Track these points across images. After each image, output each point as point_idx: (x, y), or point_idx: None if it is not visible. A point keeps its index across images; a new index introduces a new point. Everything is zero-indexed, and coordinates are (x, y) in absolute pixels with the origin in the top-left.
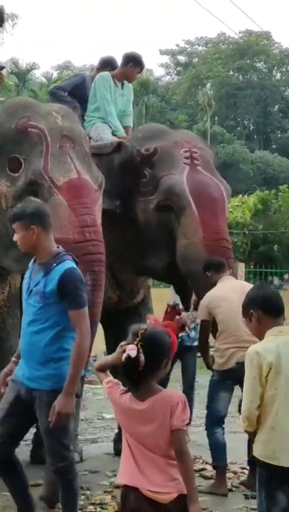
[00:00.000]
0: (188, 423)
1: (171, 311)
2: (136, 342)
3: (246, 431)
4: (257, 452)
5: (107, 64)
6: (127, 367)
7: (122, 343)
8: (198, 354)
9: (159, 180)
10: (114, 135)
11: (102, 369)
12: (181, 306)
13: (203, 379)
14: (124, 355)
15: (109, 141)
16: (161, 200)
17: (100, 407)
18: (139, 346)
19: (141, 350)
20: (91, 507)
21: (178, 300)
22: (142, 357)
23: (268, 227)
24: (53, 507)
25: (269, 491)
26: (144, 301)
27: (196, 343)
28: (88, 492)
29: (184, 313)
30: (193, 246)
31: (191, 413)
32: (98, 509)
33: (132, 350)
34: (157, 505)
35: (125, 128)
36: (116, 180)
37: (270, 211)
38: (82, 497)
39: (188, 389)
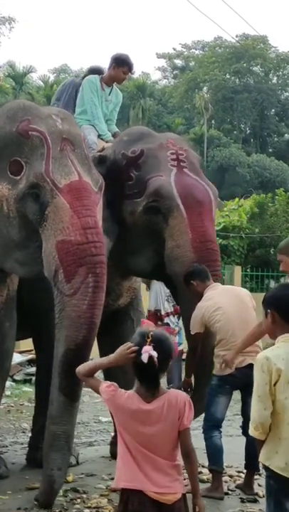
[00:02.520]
0: None
1: (152, 317)
2: (148, 344)
3: (256, 439)
4: (269, 462)
5: (94, 72)
6: (144, 368)
7: (129, 343)
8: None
9: (147, 182)
10: (102, 139)
11: (91, 374)
12: (163, 312)
13: None
14: (145, 356)
15: (94, 146)
16: (149, 202)
17: (97, 410)
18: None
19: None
20: (87, 510)
21: (159, 306)
22: (156, 356)
23: (265, 230)
24: (49, 508)
25: (280, 501)
26: (132, 304)
27: (180, 348)
28: (84, 495)
29: (166, 319)
30: (180, 248)
31: None
32: None
33: (151, 350)
34: (161, 506)
35: (115, 134)
36: (104, 190)
37: (267, 215)
38: (79, 500)
39: None
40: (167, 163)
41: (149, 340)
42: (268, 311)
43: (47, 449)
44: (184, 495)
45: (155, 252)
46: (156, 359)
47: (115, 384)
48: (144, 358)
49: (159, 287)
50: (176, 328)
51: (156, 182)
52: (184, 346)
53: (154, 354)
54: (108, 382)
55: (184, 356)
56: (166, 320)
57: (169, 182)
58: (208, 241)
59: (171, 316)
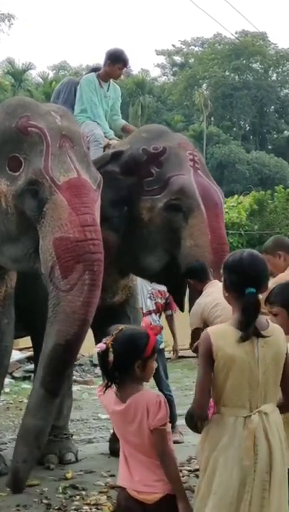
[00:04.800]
0: (171, 424)
1: (148, 320)
2: (108, 341)
3: None
4: None
5: (94, 71)
6: (99, 363)
7: (99, 343)
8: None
9: (169, 180)
10: (105, 137)
11: None
12: (144, 310)
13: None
14: (97, 351)
15: (101, 140)
16: (171, 200)
17: (96, 407)
18: (109, 345)
19: (111, 349)
20: (86, 507)
21: (141, 304)
22: (111, 356)
23: (264, 227)
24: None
25: None
26: (128, 302)
27: (162, 346)
28: (83, 492)
29: (147, 317)
30: (199, 248)
31: (172, 414)
32: (93, 509)
33: (99, 347)
34: (145, 505)
35: (124, 126)
36: (119, 186)
37: (266, 211)
38: (78, 497)
39: (165, 391)
40: (187, 163)
41: (111, 338)
42: (274, 307)
43: (17, 440)
44: (173, 495)
45: (166, 251)
46: (109, 359)
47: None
48: (96, 350)
49: (141, 285)
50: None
51: (180, 180)
52: (165, 345)
53: (99, 351)
54: (102, 383)
55: (166, 355)
56: (147, 318)
57: (191, 181)
58: (225, 244)
59: (153, 314)
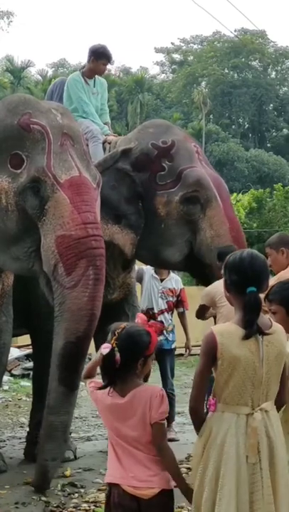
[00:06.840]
0: (172, 421)
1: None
2: (112, 341)
3: None
4: None
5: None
6: (103, 364)
7: (103, 344)
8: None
9: (181, 173)
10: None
11: (89, 376)
12: (156, 310)
13: None
14: (99, 353)
15: (100, 136)
16: (188, 192)
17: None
18: (114, 345)
19: (116, 348)
20: (85, 505)
21: (151, 304)
22: (118, 355)
23: (263, 225)
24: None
25: None
26: (127, 300)
27: (174, 346)
28: (82, 490)
29: (160, 316)
30: (221, 237)
31: (171, 413)
32: (92, 507)
33: (105, 348)
34: (140, 500)
35: (105, 124)
36: (132, 182)
37: (265, 210)
38: (76, 495)
39: (168, 389)
40: (195, 155)
41: (114, 337)
42: (272, 306)
43: (43, 439)
44: (168, 490)
45: (187, 242)
46: (116, 358)
47: (97, 381)
48: (103, 352)
49: (151, 285)
50: (170, 326)
51: (194, 172)
52: (176, 344)
53: (105, 352)
54: (91, 380)
55: (176, 352)
56: (159, 318)
57: (204, 173)
58: (242, 231)
59: (166, 313)
